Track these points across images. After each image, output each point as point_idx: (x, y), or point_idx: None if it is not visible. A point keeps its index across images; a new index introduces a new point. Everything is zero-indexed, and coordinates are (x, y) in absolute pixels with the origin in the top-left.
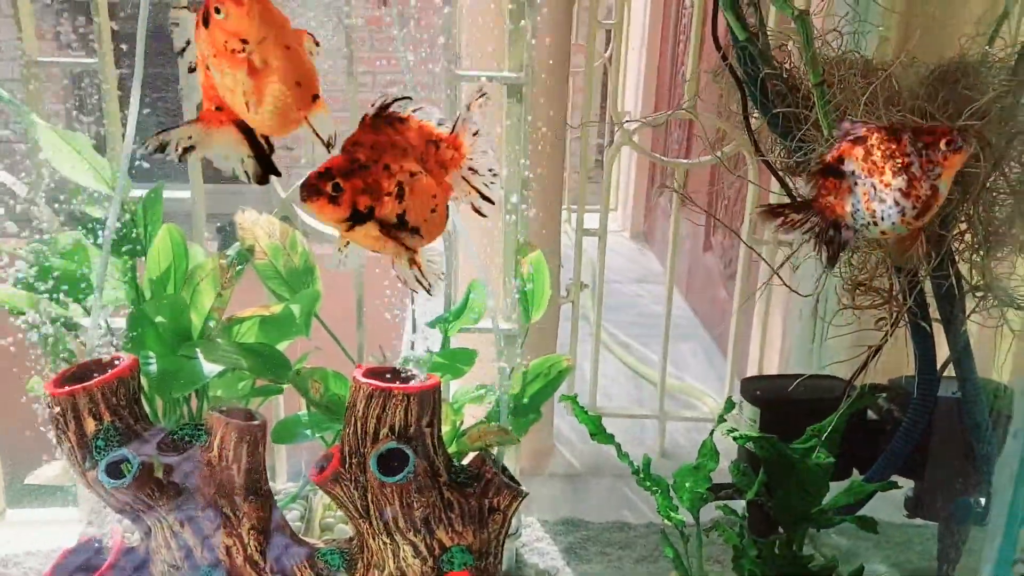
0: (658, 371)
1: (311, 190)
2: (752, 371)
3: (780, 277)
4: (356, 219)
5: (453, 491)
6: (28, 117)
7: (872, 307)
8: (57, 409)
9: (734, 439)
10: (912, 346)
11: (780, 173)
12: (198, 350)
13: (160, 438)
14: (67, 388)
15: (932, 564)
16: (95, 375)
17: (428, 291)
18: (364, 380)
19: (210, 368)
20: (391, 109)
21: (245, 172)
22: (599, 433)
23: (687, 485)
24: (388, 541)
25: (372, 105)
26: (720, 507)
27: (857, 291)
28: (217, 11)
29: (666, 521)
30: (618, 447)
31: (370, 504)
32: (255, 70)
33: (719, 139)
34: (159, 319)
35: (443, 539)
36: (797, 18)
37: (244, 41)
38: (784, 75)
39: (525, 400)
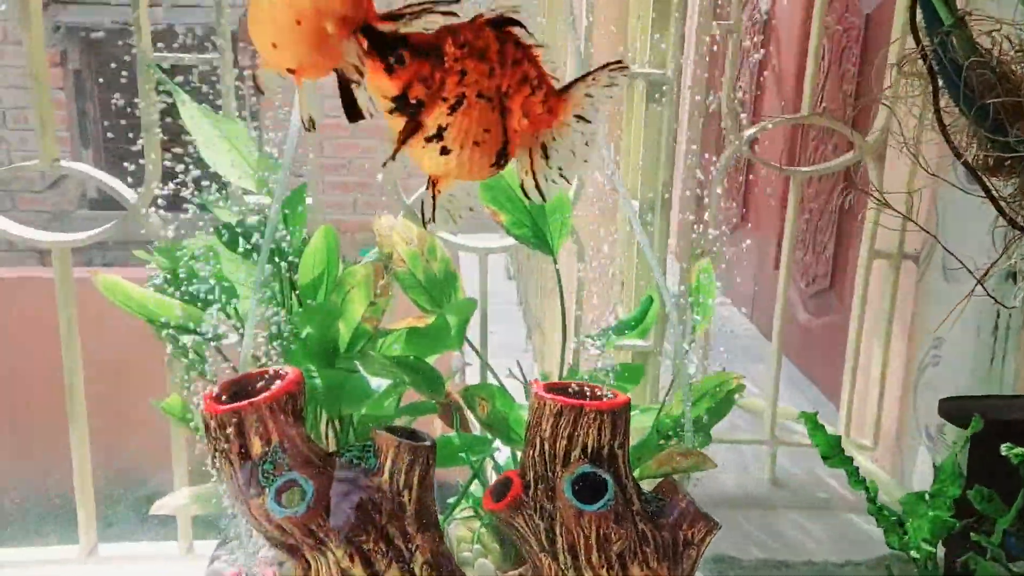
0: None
1: (380, 42)
2: (873, 396)
3: (986, 290)
4: (401, 106)
5: (646, 522)
6: (180, 96)
7: None
8: (218, 429)
9: (1016, 459)
10: None
11: (979, 173)
12: (357, 363)
13: (332, 461)
14: (231, 405)
15: None
16: (250, 391)
17: (424, 224)
18: (550, 396)
19: (378, 383)
20: (516, 29)
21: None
22: (834, 456)
23: (930, 514)
24: None
25: (494, 9)
26: None
27: None
28: None
29: (914, 554)
30: (853, 472)
31: (558, 536)
32: None
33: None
34: (307, 330)
35: None
36: None
37: None
38: (993, 63)
39: (700, 419)
